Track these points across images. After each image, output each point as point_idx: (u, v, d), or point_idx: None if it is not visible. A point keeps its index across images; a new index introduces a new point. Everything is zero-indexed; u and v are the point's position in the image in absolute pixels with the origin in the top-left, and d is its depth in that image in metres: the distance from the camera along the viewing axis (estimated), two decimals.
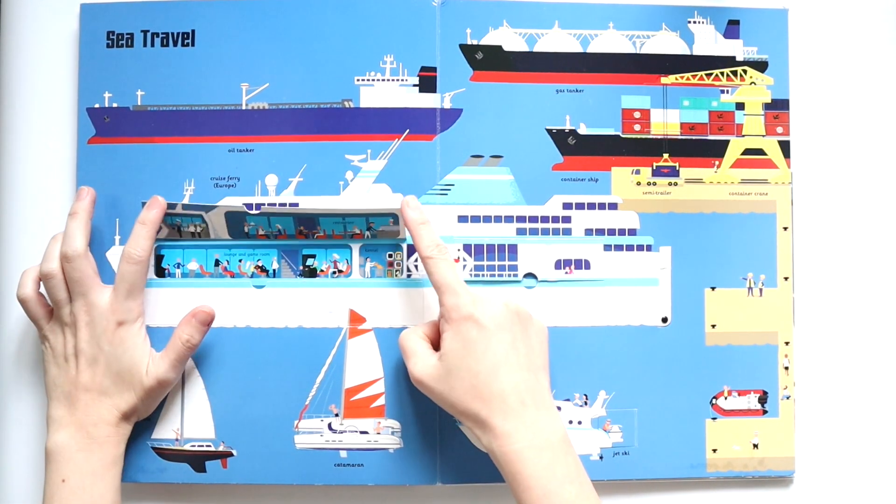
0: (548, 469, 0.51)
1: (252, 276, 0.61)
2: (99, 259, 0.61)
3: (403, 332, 0.57)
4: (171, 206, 0.59)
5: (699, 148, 0.63)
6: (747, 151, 0.63)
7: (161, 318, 0.61)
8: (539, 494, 0.51)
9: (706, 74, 0.63)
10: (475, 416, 0.53)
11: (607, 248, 0.62)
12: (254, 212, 0.59)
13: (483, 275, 0.61)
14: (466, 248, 0.61)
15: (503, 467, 0.52)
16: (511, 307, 0.55)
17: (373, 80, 0.62)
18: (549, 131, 0.62)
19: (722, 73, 0.63)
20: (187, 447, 0.60)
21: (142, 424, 0.60)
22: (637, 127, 0.63)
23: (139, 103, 0.62)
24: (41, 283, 0.58)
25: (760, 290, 0.62)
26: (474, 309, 0.54)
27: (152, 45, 0.62)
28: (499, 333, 0.53)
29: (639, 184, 0.63)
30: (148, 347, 0.58)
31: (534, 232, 0.62)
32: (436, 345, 0.57)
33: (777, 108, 0.63)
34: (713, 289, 0.62)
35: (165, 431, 0.60)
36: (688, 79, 0.63)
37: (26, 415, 0.62)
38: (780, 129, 0.63)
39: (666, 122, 0.63)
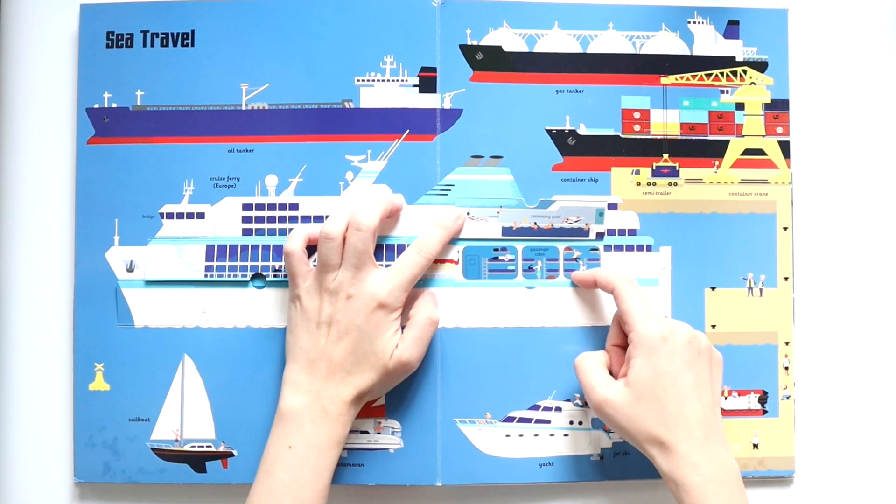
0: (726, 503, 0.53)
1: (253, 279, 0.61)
2: (98, 259, 0.61)
3: (580, 357, 0.58)
4: None
5: (699, 148, 0.63)
6: (747, 151, 0.63)
7: (160, 320, 0.61)
8: None
9: (706, 75, 0.63)
10: (661, 442, 0.54)
11: (607, 248, 0.62)
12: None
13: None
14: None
15: (683, 495, 0.53)
16: (695, 345, 0.55)
17: (373, 80, 0.62)
18: (549, 132, 0.62)
19: (722, 74, 0.63)
20: (187, 448, 0.60)
21: (141, 425, 0.60)
22: (637, 127, 0.63)
23: (139, 103, 0.62)
24: (308, 245, 0.58)
25: (760, 290, 0.62)
26: (668, 337, 0.55)
27: (152, 45, 0.62)
28: (685, 370, 0.54)
29: (639, 184, 0.63)
30: (399, 337, 0.57)
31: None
32: (611, 372, 0.58)
33: (777, 108, 0.63)
34: (713, 289, 0.62)
35: (165, 432, 0.60)
36: (688, 79, 0.63)
37: (24, 417, 0.62)
38: (779, 130, 0.63)
39: (666, 123, 0.63)
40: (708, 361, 0.56)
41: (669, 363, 0.54)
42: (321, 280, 0.56)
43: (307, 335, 0.56)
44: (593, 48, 0.63)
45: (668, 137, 0.63)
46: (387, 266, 0.58)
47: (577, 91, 0.62)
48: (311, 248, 0.59)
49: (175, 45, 0.62)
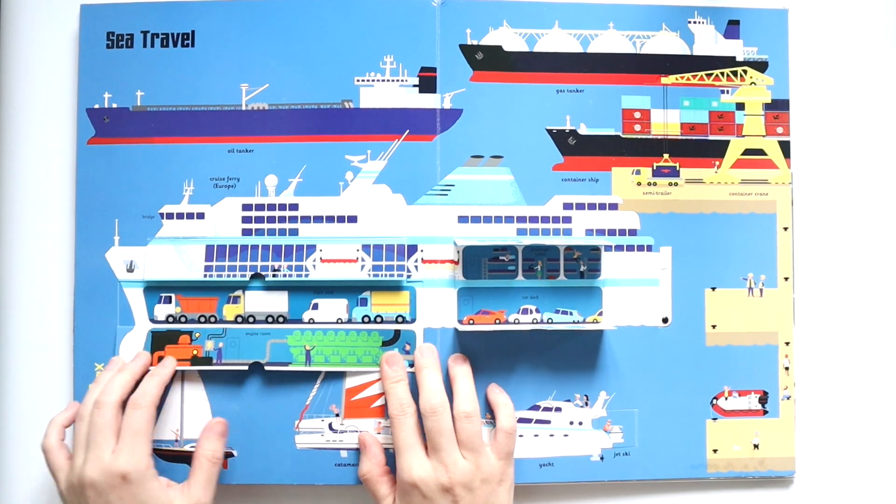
0: None
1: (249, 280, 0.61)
2: (98, 260, 0.61)
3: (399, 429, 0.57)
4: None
5: (699, 148, 0.63)
6: (747, 152, 0.63)
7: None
8: None
9: (706, 74, 0.63)
10: None
11: (607, 248, 0.62)
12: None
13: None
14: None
15: None
16: (455, 492, 0.55)
17: (373, 80, 0.62)
18: (550, 131, 0.62)
19: (722, 74, 0.63)
20: (187, 448, 0.60)
21: None
22: (637, 127, 0.63)
23: (139, 104, 0.62)
24: (65, 431, 0.57)
25: (761, 290, 0.62)
26: (418, 480, 0.55)
27: (152, 45, 0.62)
28: None
29: (639, 184, 0.62)
30: (166, 487, 0.55)
31: (534, 232, 0.62)
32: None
33: (777, 108, 0.63)
34: (713, 289, 0.62)
35: (165, 432, 0.60)
36: (688, 79, 0.63)
37: (25, 418, 0.62)
38: (780, 130, 0.63)
39: (666, 123, 0.63)
40: (484, 492, 0.55)
41: (422, 501, 0.55)
42: (72, 467, 0.54)
43: None
44: (594, 48, 0.63)
45: (669, 137, 0.63)
46: None
47: (577, 91, 0.62)
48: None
49: (175, 45, 0.62)
